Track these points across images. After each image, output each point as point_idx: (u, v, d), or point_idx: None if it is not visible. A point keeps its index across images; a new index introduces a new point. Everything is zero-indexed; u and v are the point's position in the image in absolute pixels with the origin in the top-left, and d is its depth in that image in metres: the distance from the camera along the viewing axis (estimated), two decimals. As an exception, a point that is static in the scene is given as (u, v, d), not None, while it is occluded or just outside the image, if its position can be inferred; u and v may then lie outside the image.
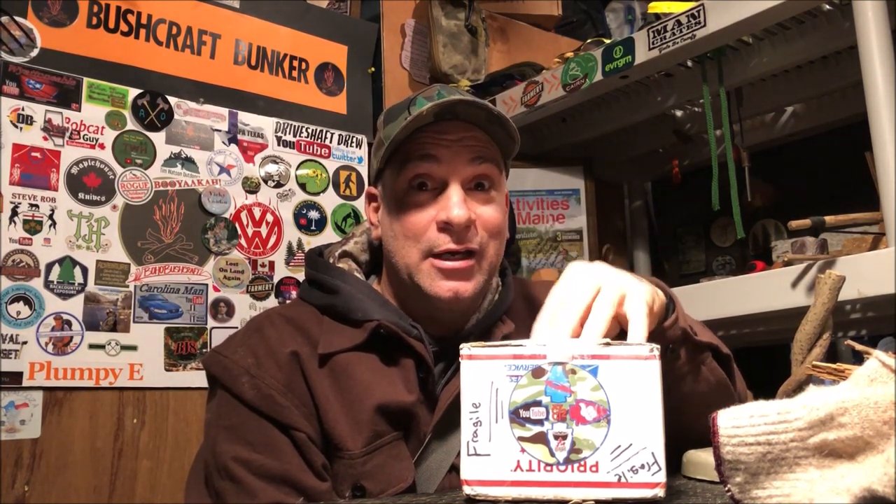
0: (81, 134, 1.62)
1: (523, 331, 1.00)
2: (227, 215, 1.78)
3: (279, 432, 0.87)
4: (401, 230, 0.95)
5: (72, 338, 1.54)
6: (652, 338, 0.65)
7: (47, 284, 1.53)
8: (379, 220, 1.02)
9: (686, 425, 0.75)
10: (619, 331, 0.69)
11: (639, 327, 0.65)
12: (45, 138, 1.58)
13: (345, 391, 0.90)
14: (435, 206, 0.93)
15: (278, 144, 1.89)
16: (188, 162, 1.75)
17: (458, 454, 0.60)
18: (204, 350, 1.69)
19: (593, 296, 0.68)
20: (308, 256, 1.07)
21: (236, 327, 1.61)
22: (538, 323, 0.68)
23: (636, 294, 0.69)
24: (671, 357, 0.80)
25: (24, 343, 1.48)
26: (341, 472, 0.88)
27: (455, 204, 0.91)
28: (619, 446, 0.57)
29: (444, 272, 0.92)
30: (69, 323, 1.54)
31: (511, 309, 1.03)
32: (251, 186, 1.83)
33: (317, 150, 1.94)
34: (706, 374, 0.86)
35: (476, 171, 0.94)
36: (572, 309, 0.67)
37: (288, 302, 1.76)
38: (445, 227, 0.92)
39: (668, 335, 0.78)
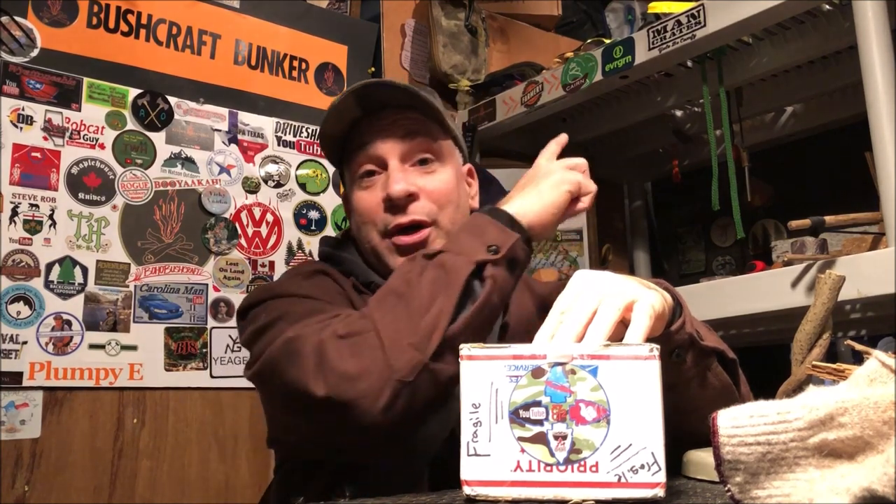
0: (81, 134, 1.62)
1: (515, 313, 1.01)
2: (227, 215, 1.78)
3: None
4: (358, 216, 1.02)
5: (72, 338, 1.54)
6: (658, 342, 0.65)
7: (47, 284, 1.53)
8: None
9: (690, 430, 0.74)
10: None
11: (638, 329, 0.65)
12: (46, 138, 1.58)
13: None
14: (381, 187, 1.00)
15: (278, 144, 1.89)
16: (188, 162, 1.75)
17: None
18: (204, 350, 1.69)
19: (599, 302, 0.67)
20: (320, 243, 1.15)
21: (236, 327, 1.61)
22: (542, 330, 0.67)
23: (643, 300, 0.68)
24: (677, 361, 0.80)
25: (25, 343, 1.49)
26: None
27: (393, 180, 0.97)
28: (619, 446, 0.57)
29: (399, 248, 0.98)
30: (69, 323, 1.54)
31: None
32: (251, 186, 1.83)
33: (317, 150, 1.94)
34: (711, 379, 0.85)
35: (411, 146, 1.00)
36: (577, 316, 0.66)
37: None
38: (390, 203, 0.98)
39: (675, 339, 0.77)
